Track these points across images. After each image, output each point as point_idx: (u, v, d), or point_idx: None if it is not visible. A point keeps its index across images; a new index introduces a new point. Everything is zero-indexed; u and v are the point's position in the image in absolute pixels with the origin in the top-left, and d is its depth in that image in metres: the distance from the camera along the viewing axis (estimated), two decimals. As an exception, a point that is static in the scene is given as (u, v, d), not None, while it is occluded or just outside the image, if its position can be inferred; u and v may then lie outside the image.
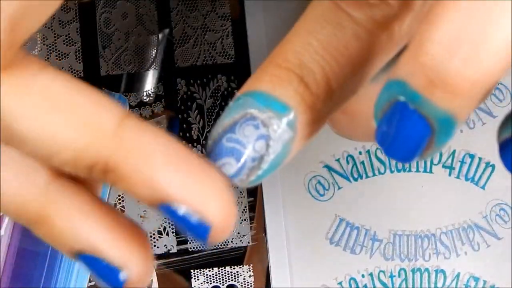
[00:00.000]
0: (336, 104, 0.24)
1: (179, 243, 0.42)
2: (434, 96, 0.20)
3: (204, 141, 0.43)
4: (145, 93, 0.44)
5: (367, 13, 0.23)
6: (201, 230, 0.22)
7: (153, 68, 0.44)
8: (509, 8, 0.20)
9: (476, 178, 0.42)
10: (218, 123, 0.24)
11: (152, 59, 0.44)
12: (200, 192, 0.22)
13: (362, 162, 0.42)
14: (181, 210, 0.22)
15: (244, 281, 0.42)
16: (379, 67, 0.25)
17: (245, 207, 0.43)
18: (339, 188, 0.42)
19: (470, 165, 0.42)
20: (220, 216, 0.22)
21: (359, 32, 0.24)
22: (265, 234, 0.42)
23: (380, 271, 0.42)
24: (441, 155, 0.42)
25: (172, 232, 0.42)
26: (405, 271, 0.42)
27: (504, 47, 0.20)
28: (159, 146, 0.22)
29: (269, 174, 0.24)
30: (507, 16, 0.20)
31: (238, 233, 0.42)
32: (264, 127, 0.23)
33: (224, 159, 0.23)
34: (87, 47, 0.44)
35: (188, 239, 0.42)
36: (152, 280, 0.42)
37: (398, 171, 0.42)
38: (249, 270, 0.42)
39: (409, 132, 0.21)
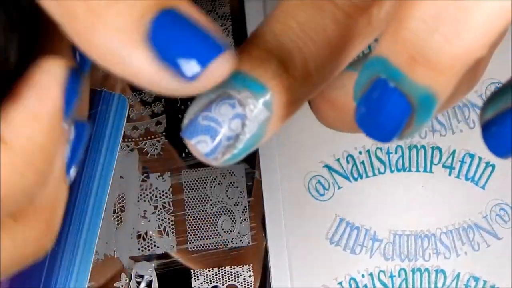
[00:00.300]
0: (313, 86, 0.24)
1: (179, 243, 0.42)
2: (415, 73, 0.20)
3: (204, 141, 0.43)
4: (145, 93, 0.44)
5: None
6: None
7: (153, 68, 0.44)
8: None
9: (476, 178, 0.42)
10: (194, 102, 0.24)
11: (152, 59, 0.44)
12: None
13: (362, 162, 0.42)
14: None
15: (244, 281, 0.42)
16: (358, 52, 0.25)
17: (245, 207, 0.43)
18: (339, 188, 0.42)
19: (470, 165, 0.42)
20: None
21: (338, 16, 0.24)
22: (265, 234, 0.42)
23: (380, 271, 0.42)
24: (441, 155, 0.42)
25: (172, 232, 0.42)
26: (405, 271, 0.42)
27: (485, 23, 0.20)
28: None
29: (244, 154, 0.24)
30: None
31: (238, 233, 0.42)
32: (241, 106, 0.23)
33: (199, 137, 0.23)
34: (87, 47, 0.44)
35: (188, 239, 0.42)
36: (152, 280, 0.42)
37: (398, 170, 0.42)
38: (249, 270, 0.42)
39: (389, 111, 0.21)
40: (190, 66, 0.22)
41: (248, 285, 0.42)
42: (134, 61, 0.22)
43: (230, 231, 0.42)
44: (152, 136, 0.43)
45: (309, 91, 0.24)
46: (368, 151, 0.42)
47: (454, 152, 0.42)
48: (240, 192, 0.43)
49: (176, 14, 0.22)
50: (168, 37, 0.22)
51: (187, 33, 0.22)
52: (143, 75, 0.22)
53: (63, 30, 0.22)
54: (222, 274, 0.42)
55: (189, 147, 0.24)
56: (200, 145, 0.23)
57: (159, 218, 0.42)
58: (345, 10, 0.24)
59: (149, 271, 0.42)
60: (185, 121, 0.24)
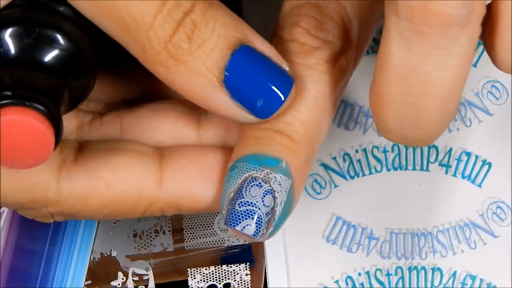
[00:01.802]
0: (315, 142, 0.27)
1: (175, 241, 0.42)
2: None
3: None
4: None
5: (316, 57, 0.27)
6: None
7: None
8: None
9: (472, 176, 0.42)
10: (224, 194, 0.27)
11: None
12: None
13: (359, 160, 0.42)
14: None
15: (241, 280, 0.42)
16: (341, 95, 0.28)
17: (242, 205, 0.42)
18: (336, 186, 0.42)
19: (466, 163, 0.42)
20: None
21: (315, 76, 0.27)
22: (262, 233, 0.42)
23: (377, 269, 0.42)
24: (437, 153, 0.42)
25: (169, 231, 0.42)
26: (401, 269, 0.42)
27: None
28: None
29: (284, 222, 0.27)
30: None
31: (235, 231, 0.42)
32: (266, 183, 0.26)
33: (242, 222, 0.26)
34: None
35: (185, 237, 0.42)
36: (148, 278, 0.42)
37: (395, 169, 0.42)
38: (246, 269, 0.42)
39: None
40: (266, 108, 0.26)
41: (244, 284, 0.42)
42: (212, 101, 0.24)
43: (227, 230, 0.42)
44: (149, 135, 0.43)
45: (313, 147, 0.27)
46: (364, 150, 0.42)
47: (450, 150, 0.42)
48: (237, 190, 0.43)
49: (248, 53, 0.25)
50: (244, 80, 0.25)
51: (261, 75, 0.25)
52: (221, 111, 0.25)
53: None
54: (219, 273, 0.42)
55: (236, 234, 0.27)
56: (246, 230, 0.26)
57: (155, 217, 0.42)
58: (319, 69, 0.27)
59: (145, 270, 0.42)
60: (224, 212, 0.26)
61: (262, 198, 0.26)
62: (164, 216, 0.42)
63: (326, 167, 0.42)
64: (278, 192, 0.26)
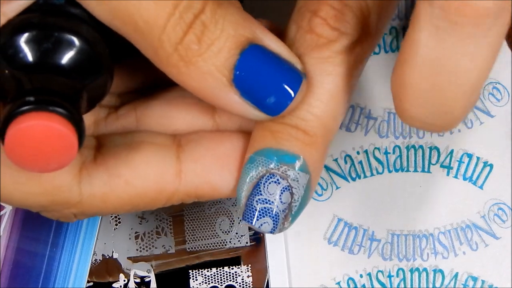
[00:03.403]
0: (332, 132, 0.28)
1: (177, 243, 0.42)
2: None
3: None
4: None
5: (330, 49, 0.27)
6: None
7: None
8: None
9: (474, 178, 0.42)
10: (241, 186, 0.27)
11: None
12: None
13: (360, 162, 0.42)
14: None
15: (243, 281, 0.42)
16: (357, 82, 0.28)
17: (243, 207, 0.42)
18: (337, 188, 0.42)
19: (468, 164, 0.42)
20: None
21: (328, 69, 0.27)
22: (263, 234, 0.42)
23: (379, 271, 0.42)
24: (439, 154, 0.42)
25: (170, 233, 0.42)
26: (403, 271, 0.42)
27: None
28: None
29: (300, 214, 0.28)
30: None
31: (237, 233, 0.42)
32: (284, 180, 0.26)
33: (260, 220, 0.27)
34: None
35: (187, 239, 0.42)
36: (150, 280, 0.42)
37: (396, 170, 0.42)
38: (248, 271, 0.42)
39: None
40: (276, 105, 0.25)
41: (246, 285, 0.42)
42: (222, 100, 0.24)
43: (229, 232, 0.42)
44: (150, 137, 0.43)
45: (330, 137, 0.28)
46: (366, 151, 0.42)
47: (452, 152, 0.42)
48: (238, 192, 0.43)
49: (257, 52, 0.25)
50: (254, 79, 0.25)
51: (270, 73, 0.25)
52: (231, 109, 0.25)
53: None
54: (221, 275, 0.42)
55: (253, 228, 0.27)
56: (263, 227, 0.27)
57: (157, 219, 0.42)
58: (333, 63, 0.27)
59: (147, 272, 0.42)
60: (241, 205, 0.27)
61: (280, 196, 0.26)
62: (166, 218, 0.42)
63: (327, 168, 0.42)
64: (295, 188, 0.26)
